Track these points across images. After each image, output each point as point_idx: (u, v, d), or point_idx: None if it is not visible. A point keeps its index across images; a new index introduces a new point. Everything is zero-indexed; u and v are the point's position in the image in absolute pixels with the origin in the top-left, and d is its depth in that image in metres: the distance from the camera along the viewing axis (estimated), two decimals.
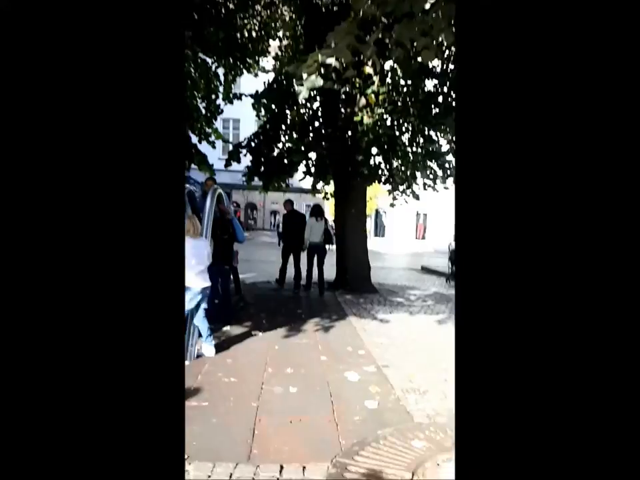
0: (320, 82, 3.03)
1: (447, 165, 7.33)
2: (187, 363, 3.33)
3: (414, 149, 7.54)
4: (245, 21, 8.95)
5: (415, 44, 3.48)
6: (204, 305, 3.59)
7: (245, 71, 9.31)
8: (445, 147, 7.50)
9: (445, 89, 6.60)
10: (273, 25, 9.33)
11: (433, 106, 6.85)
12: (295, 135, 7.03)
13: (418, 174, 7.78)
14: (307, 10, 7.23)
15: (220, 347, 3.83)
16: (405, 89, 7.20)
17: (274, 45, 9.88)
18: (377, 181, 7.59)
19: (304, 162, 6.94)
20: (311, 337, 4.39)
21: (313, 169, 7.21)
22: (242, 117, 19.09)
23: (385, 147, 6.90)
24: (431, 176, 7.89)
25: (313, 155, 7.08)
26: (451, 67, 6.72)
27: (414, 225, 22.27)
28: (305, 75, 3.07)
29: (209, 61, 8.53)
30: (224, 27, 8.14)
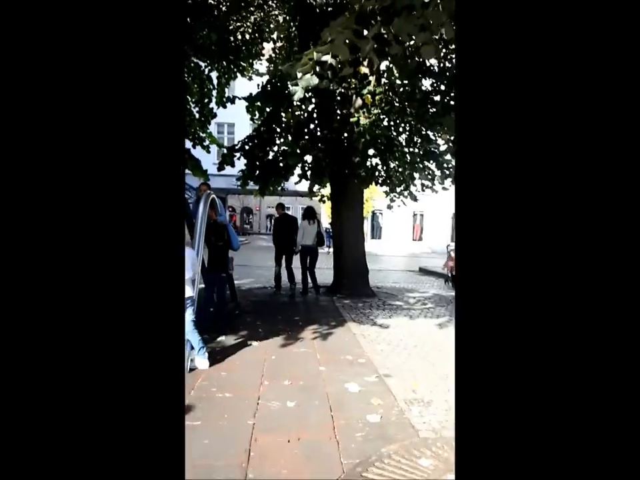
0: (315, 81, 2.90)
1: (445, 165, 7.19)
2: None
3: (411, 149, 7.43)
4: (238, 24, 8.86)
5: (414, 40, 3.37)
6: (191, 316, 3.42)
7: (238, 74, 9.20)
8: (443, 147, 7.37)
9: (443, 88, 6.48)
10: (266, 27, 9.23)
11: (430, 105, 6.74)
12: (290, 138, 6.89)
13: (416, 175, 7.66)
14: (300, 11, 7.11)
15: (214, 359, 3.68)
16: (401, 89, 7.09)
17: (268, 47, 9.79)
18: (374, 183, 7.46)
19: (300, 164, 6.79)
20: (308, 345, 4.25)
21: (308, 172, 7.08)
22: (237, 121, 18.99)
23: (382, 148, 6.78)
24: (429, 176, 7.77)
25: (308, 158, 6.94)
26: (448, 65, 6.62)
27: (411, 226, 22.22)
28: (299, 74, 2.94)
29: (202, 64, 8.44)
30: (217, 30, 8.03)
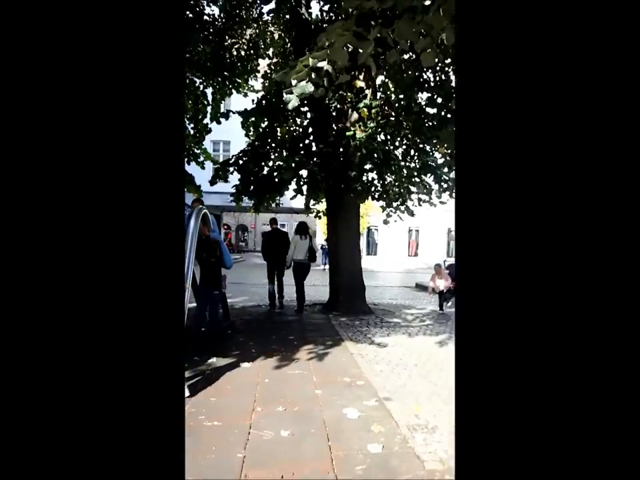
0: (311, 88, 2.77)
1: (443, 177, 7.08)
2: None
3: (408, 163, 7.33)
4: (233, 40, 8.83)
5: (413, 48, 3.27)
6: None
7: (233, 90, 9.15)
8: (441, 161, 7.27)
9: (440, 100, 6.40)
10: (261, 43, 9.22)
11: (426, 119, 6.67)
12: (285, 152, 6.77)
13: (413, 189, 7.54)
14: (295, 26, 7.08)
15: (205, 382, 3.47)
16: (397, 103, 7.03)
17: (263, 63, 9.76)
18: (370, 197, 7.33)
19: (295, 179, 6.65)
20: (304, 367, 4.03)
21: (304, 187, 6.95)
22: (232, 139, 18.94)
23: (378, 162, 6.67)
24: (426, 190, 7.66)
25: (304, 172, 6.81)
26: (444, 78, 6.56)
27: (406, 242, 22.12)
28: (294, 82, 2.82)
29: (197, 80, 8.38)
30: (212, 46, 8.00)
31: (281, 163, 6.72)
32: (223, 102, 8.87)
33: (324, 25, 6.62)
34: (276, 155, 6.87)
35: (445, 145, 6.84)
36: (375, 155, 6.47)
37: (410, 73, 6.43)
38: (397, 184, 7.49)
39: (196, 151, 8.58)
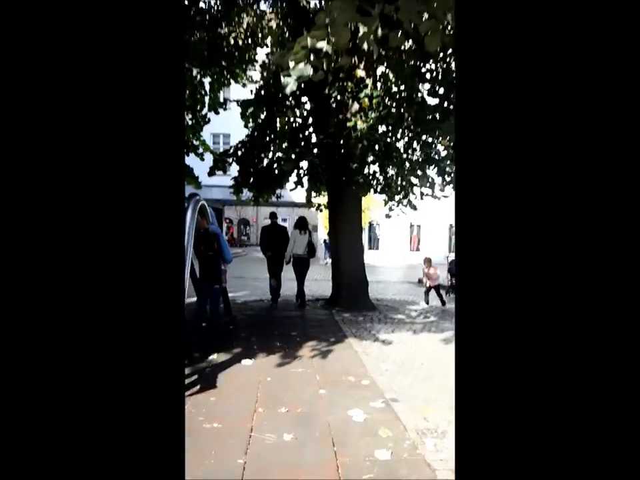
0: (309, 70, 2.60)
1: (447, 170, 6.89)
2: None
3: (410, 156, 7.14)
4: (230, 28, 8.62)
5: (419, 30, 3.10)
6: None
7: (232, 80, 8.95)
8: (444, 153, 7.08)
9: (442, 91, 6.21)
10: (259, 32, 9.00)
11: (428, 111, 6.48)
12: (284, 143, 6.60)
13: (415, 181, 7.36)
14: (293, 15, 6.88)
15: (204, 381, 3.33)
16: (398, 95, 6.84)
17: (261, 53, 9.55)
18: (372, 191, 7.16)
19: (295, 171, 6.49)
20: (307, 365, 3.89)
21: (304, 179, 6.78)
22: (232, 132, 18.73)
23: (380, 154, 6.49)
24: (428, 184, 7.48)
25: (304, 164, 6.64)
26: (445, 67, 6.37)
27: (408, 237, 21.95)
28: (291, 64, 2.65)
29: (194, 70, 8.18)
30: (209, 35, 7.81)
31: (281, 155, 6.55)
32: (221, 92, 8.66)
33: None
34: (275, 146, 6.69)
35: (448, 138, 6.67)
36: (377, 147, 6.30)
37: (411, 63, 6.24)
38: (399, 177, 7.31)
39: (194, 142, 8.40)
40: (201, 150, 8.42)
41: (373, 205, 17.29)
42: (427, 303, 7.85)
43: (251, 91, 6.70)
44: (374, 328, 5.65)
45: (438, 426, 2.70)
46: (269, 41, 9.13)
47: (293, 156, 6.23)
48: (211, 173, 6.40)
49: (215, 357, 4.03)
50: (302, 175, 6.58)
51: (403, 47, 5.57)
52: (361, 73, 6.39)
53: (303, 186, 6.74)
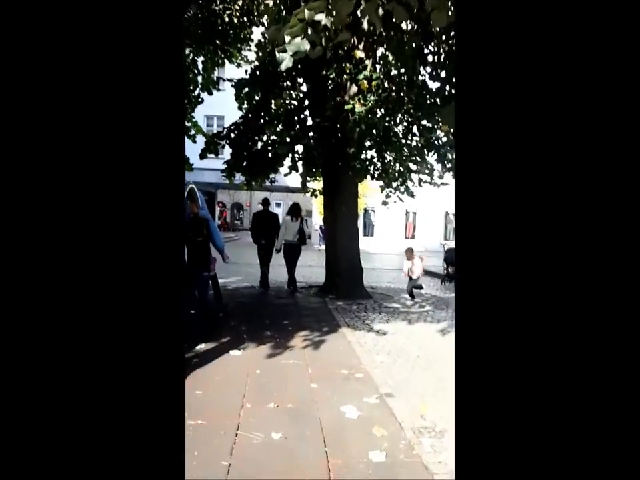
0: (306, 45, 2.40)
1: (448, 156, 6.70)
2: None
3: (409, 141, 6.94)
4: (225, 6, 8.30)
5: (424, 5, 2.90)
6: None
7: (226, 60, 8.66)
8: (444, 139, 6.88)
9: (443, 74, 5.99)
10: (255, 10, 8.68)
11: (428, 95, 6.27)
12: (279, 126, 6.37)
13: (413, 167, 7.17)
14: None
15: (191, 372, 3.19)
16: (398, 78, 6.60)
17: (257, 32, 9.23)
18: (369, 177, 6.97)
19: (290, 155, 6.27)
20: (299, 356, 3.76)
21: (299, 164, 6.58)
22: (226, 114, 18.38)
23: (378, 139, 6.28)
24: (427, 171, 7.29)
25: (299, 148, 6.43)
26: (446, 48, 6.14)
27: (403, 224, 21.83)
28: (287, 38, 2.45)
29: (187, 49, 7.89)
30: (202, 12, 7.51)
31: (275, 138, 6.33)
32: (215, 72, 8.38)
33: None
34: (270, 129, 6.46)
35: (447, 123, 6.46)
36: (375, 131, 6.09)
37: (413, 44, 6.01)
38: (397, 162, 7.12)
39: (187, 124, 8.14)
40: (192, 132, 8.18)
41: (368, 191, 17.10)
42: (412, 297, 7.22)
43: (246, 71, 6.45)
44: (368, 317, 5.53)
45: (435, 424, 2.58)
46: (265, 19, 8.82)
47: (288, 139, 6.01)
48: (203, 156, 6.17)
49: (202, 347, 3.89)
50: (297, 159, 6.37)
51: (406, 25, 5.33)
52: (360, 53, 6.15)
53: (297, 171, 6.53)
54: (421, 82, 6.25)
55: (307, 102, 6.64)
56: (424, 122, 6.62)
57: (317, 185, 8.17)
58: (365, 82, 5.99)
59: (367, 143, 6.40)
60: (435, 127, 6.83)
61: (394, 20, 3.20)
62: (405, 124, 6.86)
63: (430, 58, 6.12)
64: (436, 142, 6.79)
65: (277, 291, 7.18)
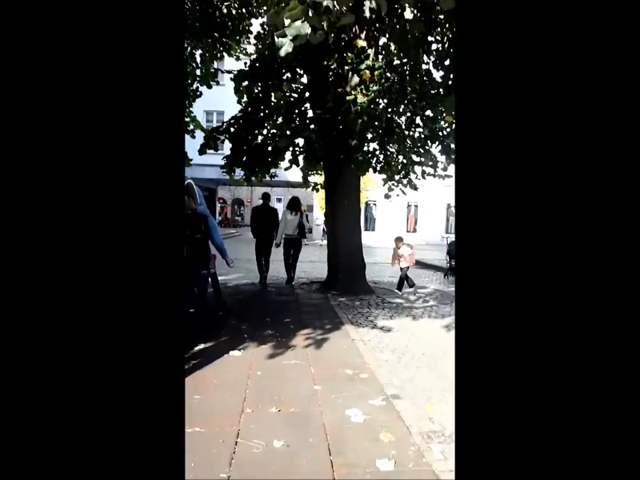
0: (307, 29, 2.26)
1: (452, 147, 6.53)
2: None
3: (412, 133, 6.78)
4: None
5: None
6: None
7: (225, 53, 8.49)
8: (448, 131, 6.72)
9: (447, 62, 5.82)
10: (254, 1, 8.50)
11: (432, 85, 6.10)
12: (279, 119, 6.21)
13: (417, 159, 7.02)
14: None
15: (189, 375, 3.07)
16: (401, 67, 6.43)
17: (256, 24, 9.05)
18: (371, 170, 6.82)
19: (290, 148, 6.12)
20: (301, 356, 3.64)
21: (300, 157, 6.43)
22: (226, 109, 18.18)
23: (381, 130, 6.12)
24: (430, 163, 7.13)
25: (300, 141, 6.28)
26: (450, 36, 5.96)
27: (405, 217, 21.67)
28: (287, 22, 2.31)
29: (185, 41, 7.71)
30: (200, 3, 7.33)
31: (275, 131, 6.18)
32: (213, 64, 8.22)
33: None
34: (270, 122, 6.31)
35: (452, 113, 6.30)
36: (377, 123, 5.93)
37: (416, 33, 5.83)
38: (400, 154, 6.97)
39: (185, 118, 7.99)
40: (191, 127, 8.03)
41: (370, 185, 16.93)
42: (399, 290, 6.99)
43: (245, 64, 6.29)
44: (371, 313, 5.41)
45: (444, 428, 2.46)
46: (264, 11, 8.63)
47: (288, 132, 5.86)
48: (202, 151, 6.03)
49: (201, 347, 3.78)
50: (297, 153, 6.22)
51: (410, 11, 5.15)
52: (362, 42, 5.98)
53: (298, 164, 6.38)
54: (425, 71, 6.09)
55: (307, 93, 6.48)
56: (427, 112, 6.46)
57: (319, 179, 8.02)
58: (367, 72, 5.84)
59: (369, 135, 6.26)
60: (439, 117, 6.67)
61: (399, 1, 3.05)
62: (408, 114, 6.69)
63: (434, 46, 5.96)
64: (440, 133, 6.63)
65: (278, 287, 7.06)
